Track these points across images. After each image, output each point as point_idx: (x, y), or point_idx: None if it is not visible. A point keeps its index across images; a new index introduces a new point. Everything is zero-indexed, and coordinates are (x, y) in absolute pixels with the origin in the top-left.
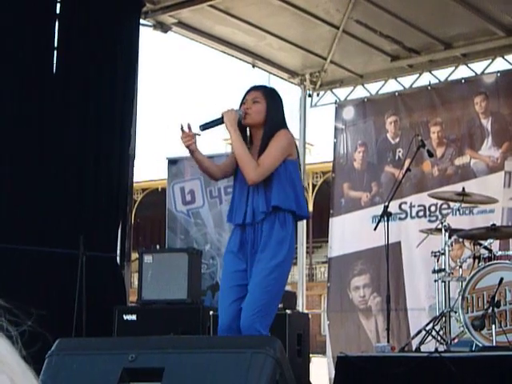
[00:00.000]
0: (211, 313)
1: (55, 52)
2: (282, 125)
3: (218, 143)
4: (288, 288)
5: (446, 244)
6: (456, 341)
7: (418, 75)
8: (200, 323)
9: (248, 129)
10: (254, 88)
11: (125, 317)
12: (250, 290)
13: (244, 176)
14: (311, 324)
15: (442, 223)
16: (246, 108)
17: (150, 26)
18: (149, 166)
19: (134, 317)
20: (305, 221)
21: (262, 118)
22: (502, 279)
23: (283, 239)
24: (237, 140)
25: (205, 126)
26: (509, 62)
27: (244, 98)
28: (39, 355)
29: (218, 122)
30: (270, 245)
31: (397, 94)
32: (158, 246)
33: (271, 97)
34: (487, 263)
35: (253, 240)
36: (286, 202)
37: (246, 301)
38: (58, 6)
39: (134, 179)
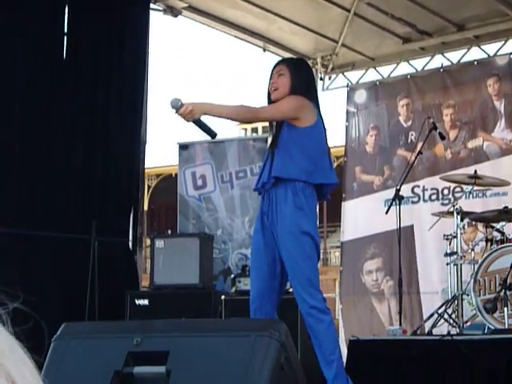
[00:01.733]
0: (223, 297)
1: (65, 37)
2: (306, 94)
3: (230, 128)
4: None
5: (458, 227)
6: (468, 324)
7: (430, 58)
8: (211, 308)
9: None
10: (280, 62)
11: (137, 301)
12: (288, 268)
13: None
14: None
15: (453, 206)
16: (273, 83)
17: (160, 10)
18: (163, 152)
19: (145, 301)
20: (318, 206)
21: (288, 90)
22: None
23: (300, 207)
24: (219, 109)
25: (213, 135)
26: None
27: (271, 73)
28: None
29: (205, 127)
30: (286, 215)
31: (409, 76)
32: (169, 231)
33: (295, 68)
34: (499, 246)
35: (267, 210)
36: (292, 171)
37: (292, 278)
38: None
39: (149, 165)
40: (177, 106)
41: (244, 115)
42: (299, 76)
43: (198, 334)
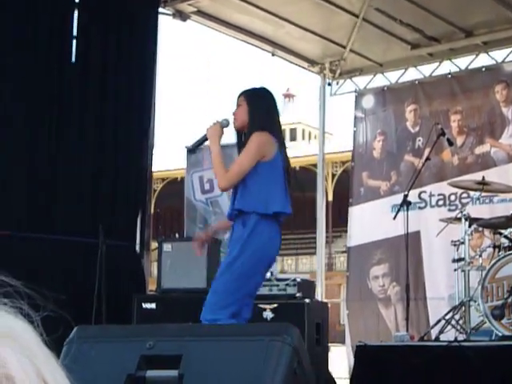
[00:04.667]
0: None
1: (74, 41)
2: (264, 125)
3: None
4: (307, 277)
5: (465, 233)
6: (476, 330)
7: (438, 63)
8: None
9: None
10: (240, 93)
11: (144, 305)
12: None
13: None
14: (330, 313)
15: (461, 212)
16: (233, 113)
17: (169, 14)
18: (168, 156)
19: (153, 305)
20: (324, 210)
21: (245, 121)
22: None
23: (238, 239)
24: (213, 152)
25: (192, 147)
26: None
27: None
28: (61, 341)
29: (203, 139)
30: (230, 245)
31: (417, 82)
32: (177, 235)
33: (252, 98)
34: (507, 252)
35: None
36: (249, 204)
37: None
38: None
39: (154, 169)
40: (223, 123)
41: (220, 174)
42: (256, 107)
43: (210, 338)
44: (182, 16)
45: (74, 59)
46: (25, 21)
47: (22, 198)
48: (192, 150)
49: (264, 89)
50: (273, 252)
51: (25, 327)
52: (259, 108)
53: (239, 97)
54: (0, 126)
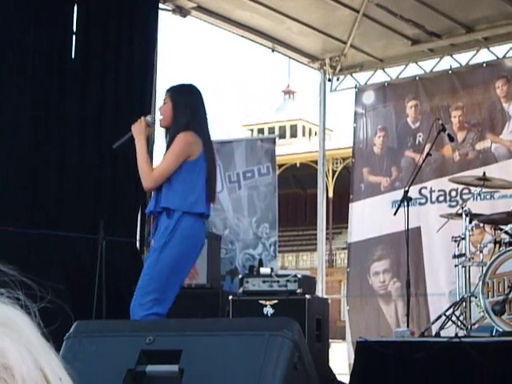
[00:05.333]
0: (230, 297)
1: (74, 37)
2: (188, 124)
3: (237, 128)
4: (308, 273)
5: (466, 229)
6: (476, 326)
7: (438, 59)
8: (219, 307)
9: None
10: (167, 89)
11: None
12: None
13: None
14: (330, 309)
15: (462, 208)
16: (159, 109)
17: (169, 10)
18: None
19: None
20: (325, 207)
21: (170, 118)
22: None
23: (165, 229)
24: (139, 150)
25: (117, 146)
26: None
27: None
28: (60, 332)
29: (128, 137)
30: (157, 236)
31: (417, 78)
32: None
33: (176, 96)
34: (508, 248)
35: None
36: (173, 203)
37: None
38: None
39: (154, 165)
40: (148, 121)
41: (144, 174)
42: (180, 105)
43: (211, 333)
44: (181, 12)
45: (73, 56)
46: (24, 17)
47: (22, 194)
48: (117, 149)
49: (190, 86)
50: (197, 246)
51: (22, 317)
52: (183, 106)
53: (166, 93)
54: (0, 123)
